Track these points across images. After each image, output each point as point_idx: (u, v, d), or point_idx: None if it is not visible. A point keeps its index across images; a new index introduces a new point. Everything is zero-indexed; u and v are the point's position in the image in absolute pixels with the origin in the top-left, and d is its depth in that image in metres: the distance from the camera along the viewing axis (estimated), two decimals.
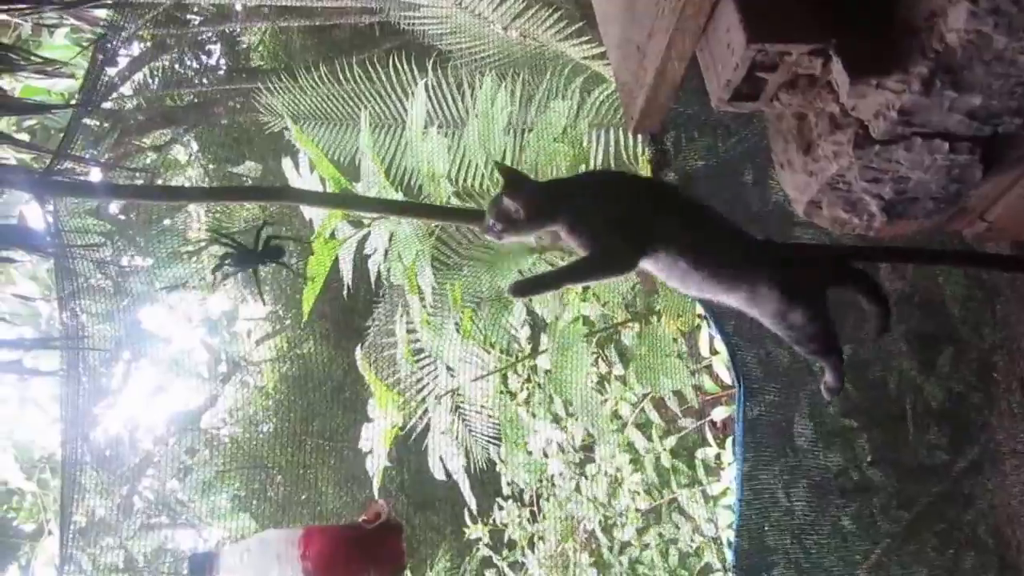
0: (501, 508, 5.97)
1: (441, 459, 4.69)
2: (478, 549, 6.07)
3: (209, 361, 6.13)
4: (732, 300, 1.88)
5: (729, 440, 4.73)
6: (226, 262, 2.52)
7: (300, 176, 4.22)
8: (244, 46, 6.91)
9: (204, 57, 6.83)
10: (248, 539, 2.15)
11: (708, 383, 4.76)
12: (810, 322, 1.86)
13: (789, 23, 1.56)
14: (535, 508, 5.92)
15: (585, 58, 4.69)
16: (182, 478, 5.44)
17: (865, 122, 1.59)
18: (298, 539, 2.02)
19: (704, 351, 4.63)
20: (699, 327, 4.50)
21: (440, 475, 4.73)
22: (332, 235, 4.11)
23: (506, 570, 5.96)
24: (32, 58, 2.85)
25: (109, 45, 3.84)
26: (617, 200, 1.86)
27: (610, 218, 1.82)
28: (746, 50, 1.55)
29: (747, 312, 1.90)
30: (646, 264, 1.85)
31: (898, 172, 1.65)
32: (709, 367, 4.74)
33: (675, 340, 4.44)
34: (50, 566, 5.76)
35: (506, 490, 5.87)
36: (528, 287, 2.02)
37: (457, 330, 4.49)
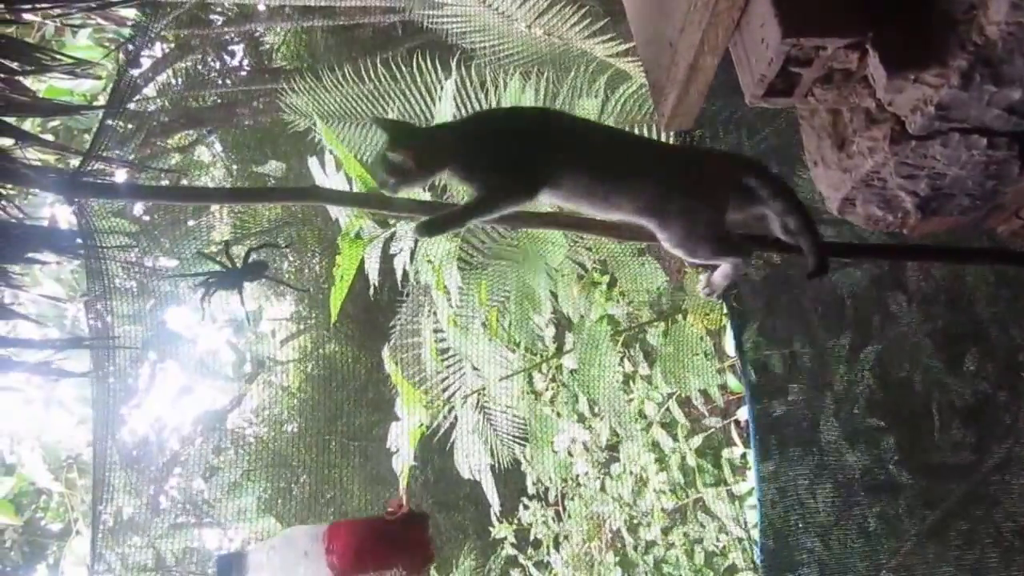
0: (526, 507, 5.97)
1: (467, 459, 4.69)
2: (503, 548, 6.07)
3: (235, 361, 6.16)
4: (634, 211, 1.85)
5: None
6: (209, 285, 2.44)
7: (326, 175, 4.22)
8: (267, 47, 6.94)
9: (227, 58, 6.87)
10: (273, 537, 2.15)
11: (733, 382, 4.74)
12: (709, 224, 1.83)
13: (825, 16, 1.54)
14: (560, 507, 5.91)
15: (609, 55, 4.67)
16: (208, 478, 5.47)
17: (902, 117, 1.57)
18: (323, 534, 2.01)
19: (730, 350, 4.62)
20: (725, 326, 4.48)
21: (467, 474, 4.73)
22: (358, 235, 4.11)
23: (531, 569, 5.95)
24: (60, 58, 2.86)
25: (133, 46, 3.86)
26: (506, 138, 1.85)
27: (501, 157, 1.81)
28: (781, 44, 1.53)
29: (653, 227, 1.86)
30: (552, 196, 1.85)
31: (934, 168, 1.62)
32: (734, 366, 4.72)
33: (702, 339, 4.43)
34: (79, 566, 5.80)
35: (531, 489, 5.87)
36: (435, 227, 1.95)
37: (484, 328, 4.49)
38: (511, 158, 1.81)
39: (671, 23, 1.83)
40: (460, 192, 4.15)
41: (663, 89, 2.00)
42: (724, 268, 1.95)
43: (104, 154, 3.12)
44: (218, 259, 2.47)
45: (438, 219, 1.90)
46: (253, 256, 2.46)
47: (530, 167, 1.80)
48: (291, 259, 6.33)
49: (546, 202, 1.92)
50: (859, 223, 1.85)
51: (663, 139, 3.64)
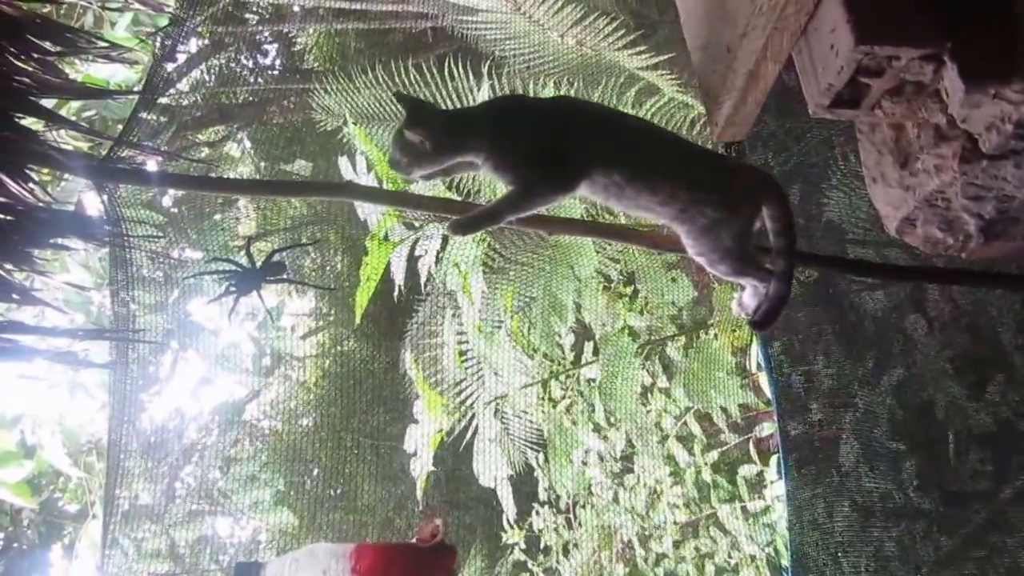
0: (537, 513, 5.96)
1: (486, 467, 4.70)
2: (512, 552, 6.05)
3: (254, 354, 6.17)
4: (665, 215, 1.81)
5: (773, 458, 4.72)
6: (229, 287, 2.40)
7: (357, 175, 4.24)
8: (299, 47, 6.97)
9: (260, 56, 6.91)
10: (296, 551, 2.12)
11: (752, 398, 4.74)
12: (737, 238, 1.80)
13: (901, 24, 1.46)
14: (571, 515, 5.89)
15: (640, 68, 4.69)
16: (226, 471, 5.49)
17: (975, 135, 1.49)
18: (349, 554, 1.99)
19: (751, 367, 4.63)
20: (747, 344, 4.49)
21: (486, 482, 4.74)
22: (386, 237, 4.13)
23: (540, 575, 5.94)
24: (94, 42, 2.86)
25: (170, 37, 3.89)
26: (538, 127, 1.79)
27: (533, 149, 1.75)
28: (853, 52, 1.45)
29: (680, 232, 1.83)
30: (583, 189, 1.79)
31: (1003, 190, 1.55)
32: (754, 383, 4.73)
33: (732, 354, 4.43)
34: (94, 549, 5.82)
35: (543, 495, 5.84)
36: (468, 225, 1.88)
37: (507, 333, 4.51)
38: (544, 150, 1.74)
39: (732, 27, 1.76)
40: (489, 185, 4.18)
41: (718, 97, 1.92)
42: (751, 290, 1.92)
43: (134, 141, 3.14)
44: (239, 259, 2.45)
45: (471, 217, 1.84)
46: (277, 257, 2.45)
47: (564, 159, 1.74)
48: (313, 256, 6.34)
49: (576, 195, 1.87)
50: (917, 244, 1.79)
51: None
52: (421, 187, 4.16)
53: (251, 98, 6.58)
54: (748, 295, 1.94)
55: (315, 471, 5.50)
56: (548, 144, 1.75)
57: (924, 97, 1.55)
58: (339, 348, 6.77)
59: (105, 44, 2.82)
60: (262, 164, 6.30)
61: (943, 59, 1.46)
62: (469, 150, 1.78)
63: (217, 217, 5.14)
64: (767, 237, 1.88)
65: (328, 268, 6.36)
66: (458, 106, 4.60)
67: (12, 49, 2.19)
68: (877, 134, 1.74)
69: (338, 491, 5.46)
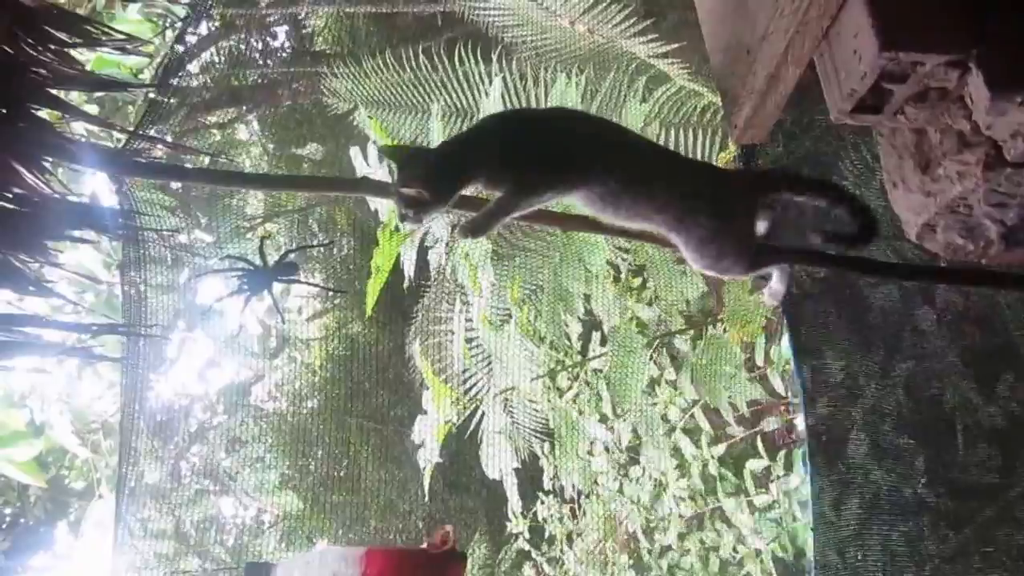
0: (542, 502, 5.95)
1: (492, 459, 4.71)
2: (515, 540, 6.05)
3: (260, 335, 6.19)
4: (663, 223, 1.83)
5: (782, 453, 4.72)
6: (241, 286, 2.36)
7: (368, 165, 4.23)
8: (309, 30, 6.95)
9: (270, 39, 6.90)
10: (306, 553, 2.12)
11: (760, 392, 4.72)
12: (740, 241, 1.82)
13: (926, 30, 1.43)
14: (576, 504, 5.88)
15: (651, 56, 4.67)
16: (230, 450, 5.52)
17: (999, 142, 1.47)
18: (359, 558, 1.97)
19: (759, 360, 4.62)
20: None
21: (492, 474, 4.75)
22: (397, 228, 4.13)
23: (544, 565, 5.93)
24: (110, 33, 2.85)
25: (184, 23, 3.87)
26: (530, 138, 1.80)
27: (529, 158, 1.77)
28: (877, 58, 1.43)
29: (678, 243, 1.85)
30: (578, 198, 1.81)
31: None
32: (762, 377, 4.72)
33: (741, 350, 4.42)
34: (99, 528, 5.85)
35: (548, 484, 5.83)
36: (478, 227, 1.85)
37: (515, 324, 4.51)
38: (540, 155, 1.76)
39: (752, 29, 1.74)
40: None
41: (737, 99, 1.90)
42: (778, 275, 1.93)
43: (149, 134, 3.12)
44: (252, 257, 2.44)
45: (479, 218, 1.83)
46: (290, 257, 2.43)
47: (561, 161, 1.77)
48: (320, 238, 6.34)
49: (576, 203, 1.89)
50: (937, 251, 1.77)
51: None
52: None
53: (261, 81, 6.57)
54: (776, 281, 1.95)
55: (319, 453, 5.52)
56: (544, 150, 1.77)
57: (948, 103, 1.53)
58: (345, 330, 6.78)
59: (122, 36, 2.81)
60: (271, 147, 6.33)
61: (968, 65, 1.44)
62: (468, 182, 1.80)
63: (227, 201, 5.14)
64: (769, 235, 1.89)
65: (335, 250, 6.37)
66: (467, 92, 4.60)
67: (29, 40, 2.18)
68: (898, 137, 1.72)
69: (342, 473, 5.49)
